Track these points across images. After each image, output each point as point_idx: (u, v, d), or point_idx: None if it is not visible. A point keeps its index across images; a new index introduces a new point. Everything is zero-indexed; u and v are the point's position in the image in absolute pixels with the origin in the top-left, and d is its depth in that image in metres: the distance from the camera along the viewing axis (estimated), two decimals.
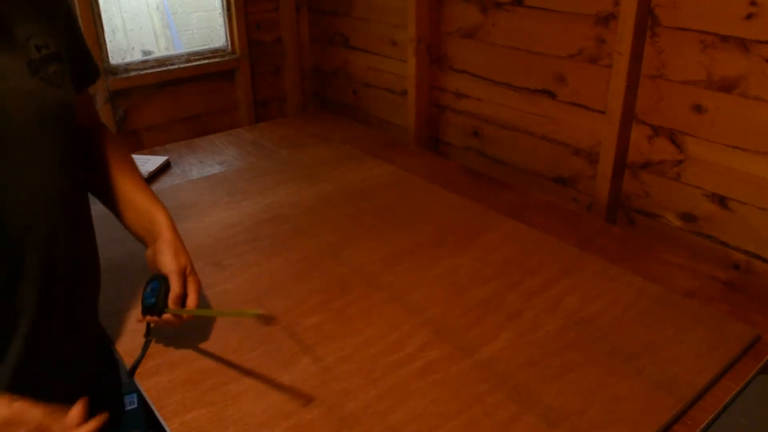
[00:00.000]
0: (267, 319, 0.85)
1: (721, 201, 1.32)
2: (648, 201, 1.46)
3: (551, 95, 1.60)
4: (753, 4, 1.18)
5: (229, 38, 2.19)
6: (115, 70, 1.94)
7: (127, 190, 0.97)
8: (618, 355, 0.97)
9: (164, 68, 2.04)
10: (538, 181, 1.70)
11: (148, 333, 1.01)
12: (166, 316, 0.91)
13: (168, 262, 0.92)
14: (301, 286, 1.16)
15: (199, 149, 1.85)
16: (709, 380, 0.92)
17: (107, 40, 1.91)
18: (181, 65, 2.08)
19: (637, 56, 1.37)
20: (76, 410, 0.64)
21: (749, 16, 1.19)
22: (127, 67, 1.98)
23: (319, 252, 1.27)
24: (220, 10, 2.17)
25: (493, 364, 0.96)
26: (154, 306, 0.90)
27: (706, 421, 0.87)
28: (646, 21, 1.35)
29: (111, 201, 0.97)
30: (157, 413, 0.87)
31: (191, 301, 0.92)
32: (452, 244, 1.29)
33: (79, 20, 1.77)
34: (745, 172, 1.27)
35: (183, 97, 2.11)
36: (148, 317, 0.92)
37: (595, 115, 1.51)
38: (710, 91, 1.28)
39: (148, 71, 2.01)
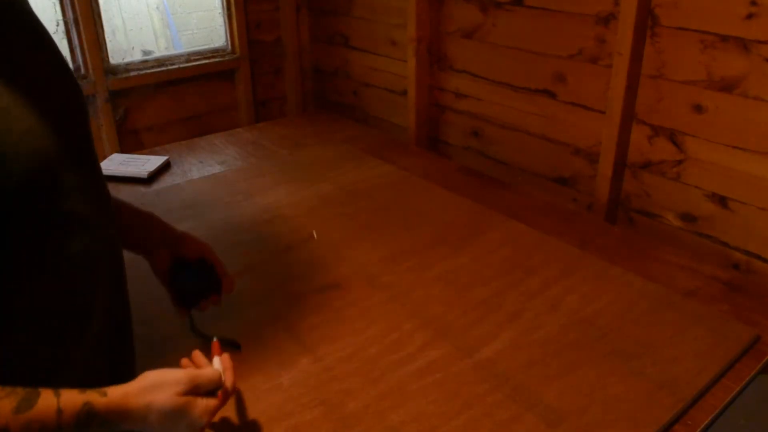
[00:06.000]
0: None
1: (721, 201, 1.32)
2: (648, 201, 1.46)
3: (551, 95, 1.60)
4: (753, 4, 1.18)
5: (229, 38, 2.19)
6: (115, 70, 1.94)
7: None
8: (618, 355, 0.97)
9: (164, 68, 2.04)
10: (538, 181, 1.70)
11: (193, 327, 0.99)
12: (229, 289, 0.93)
13: (197, 243, 0.93)
14: (302, 285, 1.16)
15: (199, 149, 1.85)
16: (709, 380, 0.92)
17: (107, 40, 1.91)
18: (181, 65, 2.08)
19: (637, 56, 1.37)
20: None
21: (749, 16, 1.19)
22: (127, 67, 1.97)
23: (319, 252, 1.27)
24: (220, 10, 2.17)
25: (493, 364, 0.96)
26: (208, 286, 0.92)
27: (706, 421, 0.87)
28: (646, 21, 1.35)
29: None
30: None
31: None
32: (452, 244, 1.29)
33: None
34: (745, 172, 1.27)
35: (183, 97, 2.11)
36: (205, 303, 0.93)
37: (595, 115, 1.51)
38: (710, 91, 1.28)
39: (148, 71, 2.00)
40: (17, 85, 0.59)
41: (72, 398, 0.60)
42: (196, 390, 0.70)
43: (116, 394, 0.64)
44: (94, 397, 0.62)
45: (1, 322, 0.60)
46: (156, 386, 0.67)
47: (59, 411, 0.59)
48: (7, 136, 0.55)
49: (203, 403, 0.70)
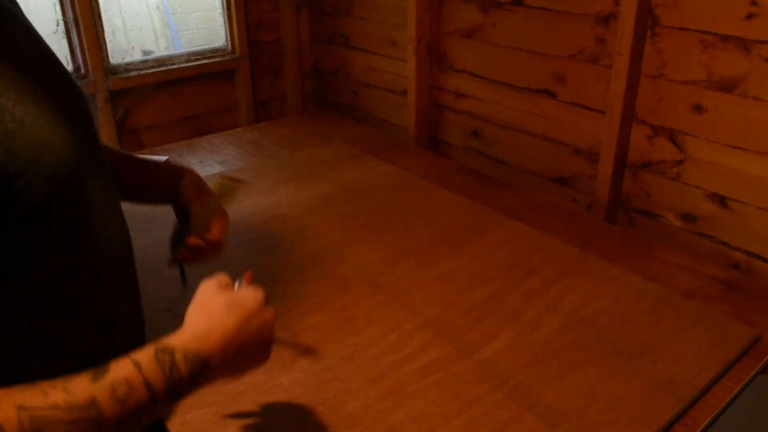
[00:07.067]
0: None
1: (721, 201, 1.32)
2: (648, 201, 1.46)
3: (551, 95, 1.60)
4: (753, 4, 1.18)
5: (229, 38, 2.19)
6: (115, 70, 1.94)
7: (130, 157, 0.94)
8: (618, 355, 0.97)
9: (164, 68, 2.04)
10: (538, 181, 1.70)
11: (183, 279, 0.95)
12: (191, 240, 0.87)
13: (188, 193, 0.91)
14: (301, 286, 1.16)
15: (199, 149, 1.85)
16: (709, 380, 0.92)
17: (107, 40, 1.91)
18: (181, 65, 2.08)
19: (637, 56, 1.37)
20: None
21: (749, 16, 1.19)
22: (127, 67, 1.97)
23: (319, 252, 1.27)
24: (220, 10, 2.17)
25: (493, 364, 0.96)
26: (179, 240, 0.88)
27: (706, 421, 0.87)
28: (647, 21, 1.35)
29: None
30: None
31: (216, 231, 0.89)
32: (452, 244, 1.29)
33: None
34: (745, 172, 1.27)
35: (183, 97, 2.11)
36: (181, 253, 0.88)
37: (595, 115, 1.51)
38: (710, 91, 1.28)
39: (148, 71, 2.00)
40: (29, 94, 0.56)
41: (143, 352, 0.57)
42: (223, 281, 0.68)
43: (175, 336, 0.60)
44: (160, 342, 0.58)
45: (27, 332, 0.58)
46: (199, 311, 0.64)
47: (136, 364, 0.55)
48: (24, 153, 0.52)
49: (248, 294, 0.67)
